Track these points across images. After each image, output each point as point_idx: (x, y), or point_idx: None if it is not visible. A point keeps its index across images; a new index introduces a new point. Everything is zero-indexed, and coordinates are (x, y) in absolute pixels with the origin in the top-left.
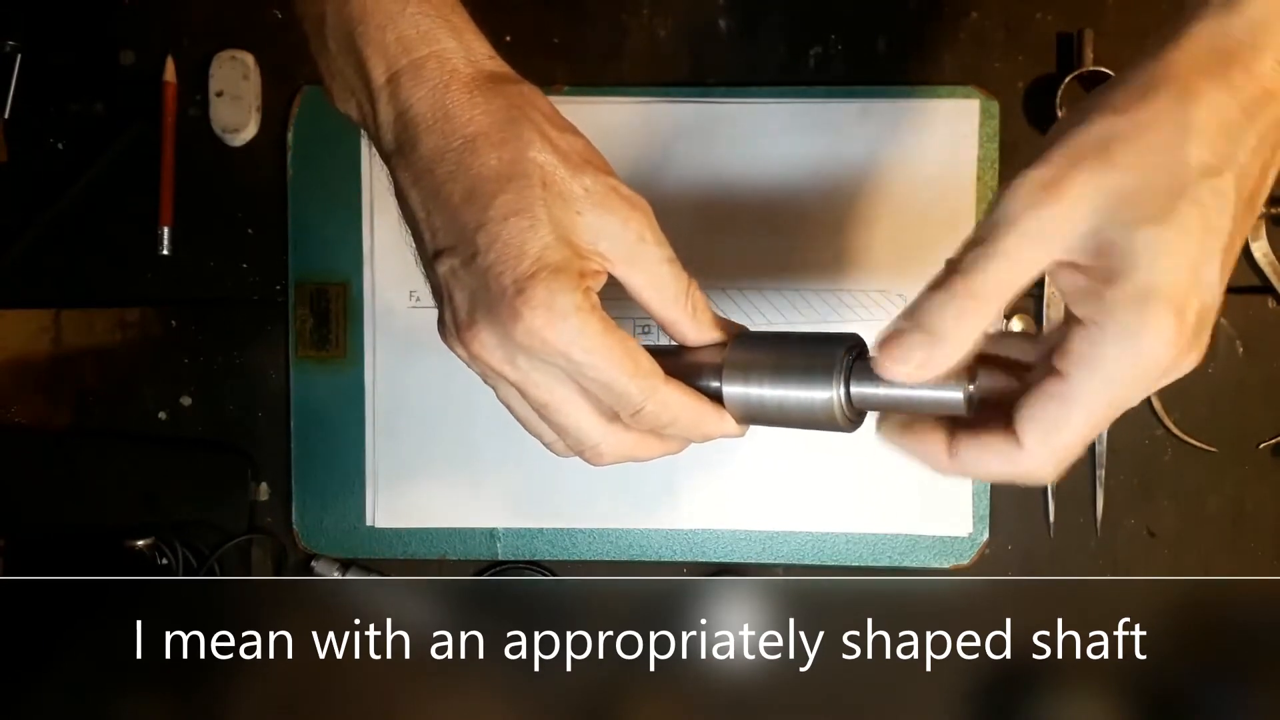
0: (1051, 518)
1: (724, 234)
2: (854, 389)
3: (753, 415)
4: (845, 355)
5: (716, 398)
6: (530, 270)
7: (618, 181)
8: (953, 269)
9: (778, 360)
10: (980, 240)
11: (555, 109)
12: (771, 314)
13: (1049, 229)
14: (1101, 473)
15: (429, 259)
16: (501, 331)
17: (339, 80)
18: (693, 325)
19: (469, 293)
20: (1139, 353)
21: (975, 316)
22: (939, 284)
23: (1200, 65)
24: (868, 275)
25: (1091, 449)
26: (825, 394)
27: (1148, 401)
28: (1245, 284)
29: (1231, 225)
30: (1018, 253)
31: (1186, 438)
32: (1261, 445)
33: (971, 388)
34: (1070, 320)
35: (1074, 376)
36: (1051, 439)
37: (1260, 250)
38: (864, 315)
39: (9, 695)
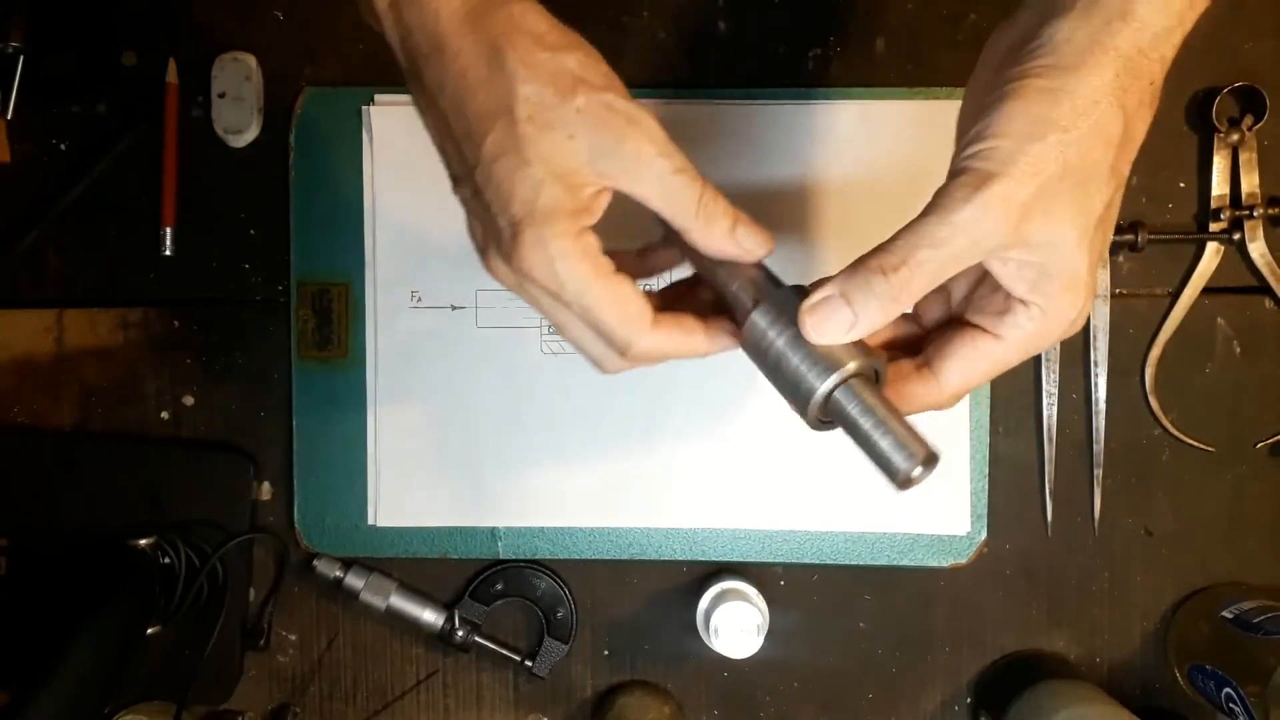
0: (1049, 517)
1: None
2: (836, 399)
3: (751, 352)
4: (852, 374)
5: (732, 306)
6: (520, 214)
7: (614, 96)
8: (890, 263)
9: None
10: (927, 243)
11: (550, 23)
12: None
13: (990, 243)
14: (1099, 472)
15: (451, 181)
16: (506, 263)
17: (361, 2)
18: (705, 235)
19: (480, 222)
20: (1068, 327)
21: (895, 310)
22: (875, 268)
23: (1123, 86)
24: None
25: (1089, 448)
26: (815, 385)
27: (1145, 401)
28: (1243, 284)
29: (1116, 214)
30: (950, 264)
31: (1184, 437)
32: (1259, 445)
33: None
34: (987, 286)
35: (1010, 339)
36: (970, 381)
37: (1258, 251)
38: None
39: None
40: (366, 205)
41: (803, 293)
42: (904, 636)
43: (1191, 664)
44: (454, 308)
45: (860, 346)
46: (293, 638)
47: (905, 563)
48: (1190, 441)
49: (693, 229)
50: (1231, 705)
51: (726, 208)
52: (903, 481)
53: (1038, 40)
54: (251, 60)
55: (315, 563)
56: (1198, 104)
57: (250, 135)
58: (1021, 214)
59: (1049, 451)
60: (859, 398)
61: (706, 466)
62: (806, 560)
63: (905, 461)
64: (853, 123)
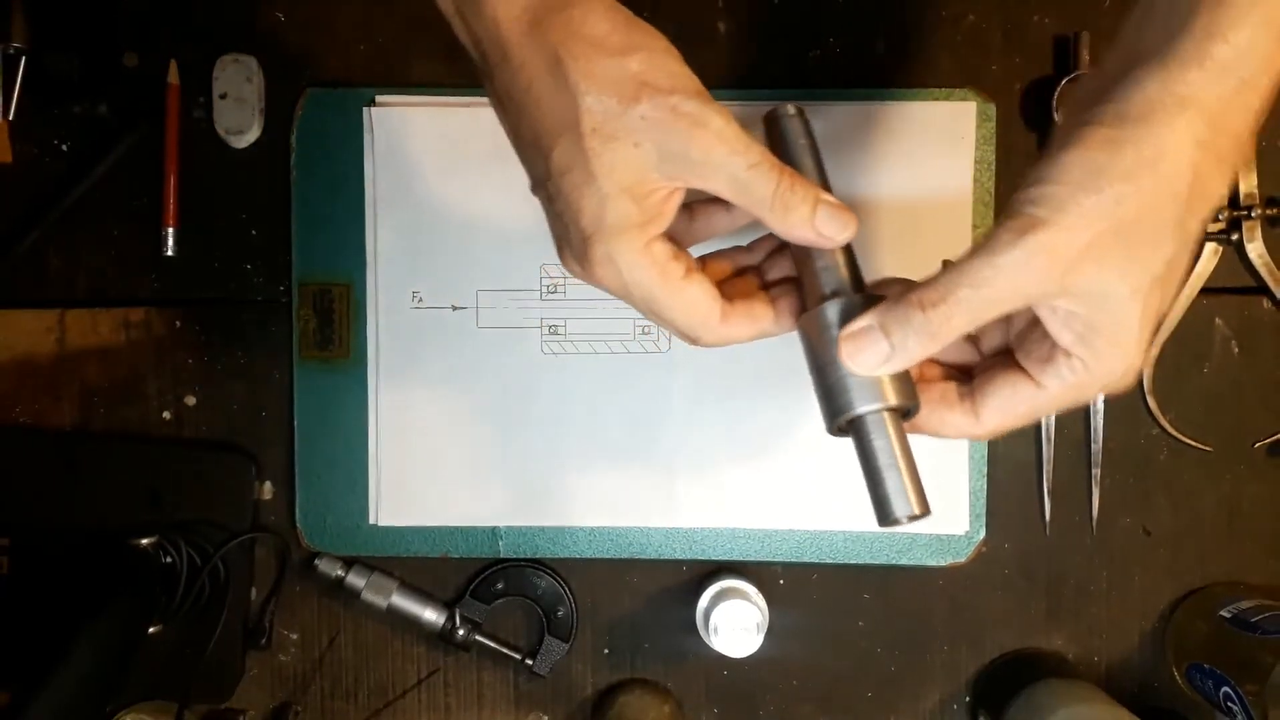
0: (1048, 516)
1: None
2: (863, 424)
3: (806, 340)
4: (887, 409)
5: (804, 282)
6: (589, 230)
7: (680, 97)
8: (930, 299)
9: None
10: (968, 282)
11: (612, 23)
12: None
13: (1034, 290)
14: (1097, 472)
15: (530, 181)
16: (580, 267)
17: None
18: (783, 225)
19: (554, 228)
20: (1112, 383)
21: (932, 346)
22: (915, 302)
23: (1196, 138)
24: (867, 275)
25: (1088, 448)
26: (851, 405)
27: (1143, 401)
28: (1241, 285)
29: (1184, 273)
30: (991, 308)
31: (1182, 437)
32: (1257, 445)
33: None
34: (1038, 329)
35: (1050, 390)
36: (1006, 423)
37: (1255, 251)
38: None
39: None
40: (368, 206)
41: (877, 301)
42: (903, 635)
43: (1190, 663)
44: (454, 308)
45: (904, 380)
46: (294, 637)
47: (904, 562)
48: (1188, 441)
49: (770, 220)
50: (1230, 704)
51: (805, 194)
52: (890, 522)
53: (1115, 87)
54: (253, 61)
55: (317, 562)
56: None
57: (251, 136)
58: (1069, 264)
59: (1047, 451)
60: (885, 432)
61: (706, 466)
62: (806, 560)
63: (901, 508)
64: (853, 123)
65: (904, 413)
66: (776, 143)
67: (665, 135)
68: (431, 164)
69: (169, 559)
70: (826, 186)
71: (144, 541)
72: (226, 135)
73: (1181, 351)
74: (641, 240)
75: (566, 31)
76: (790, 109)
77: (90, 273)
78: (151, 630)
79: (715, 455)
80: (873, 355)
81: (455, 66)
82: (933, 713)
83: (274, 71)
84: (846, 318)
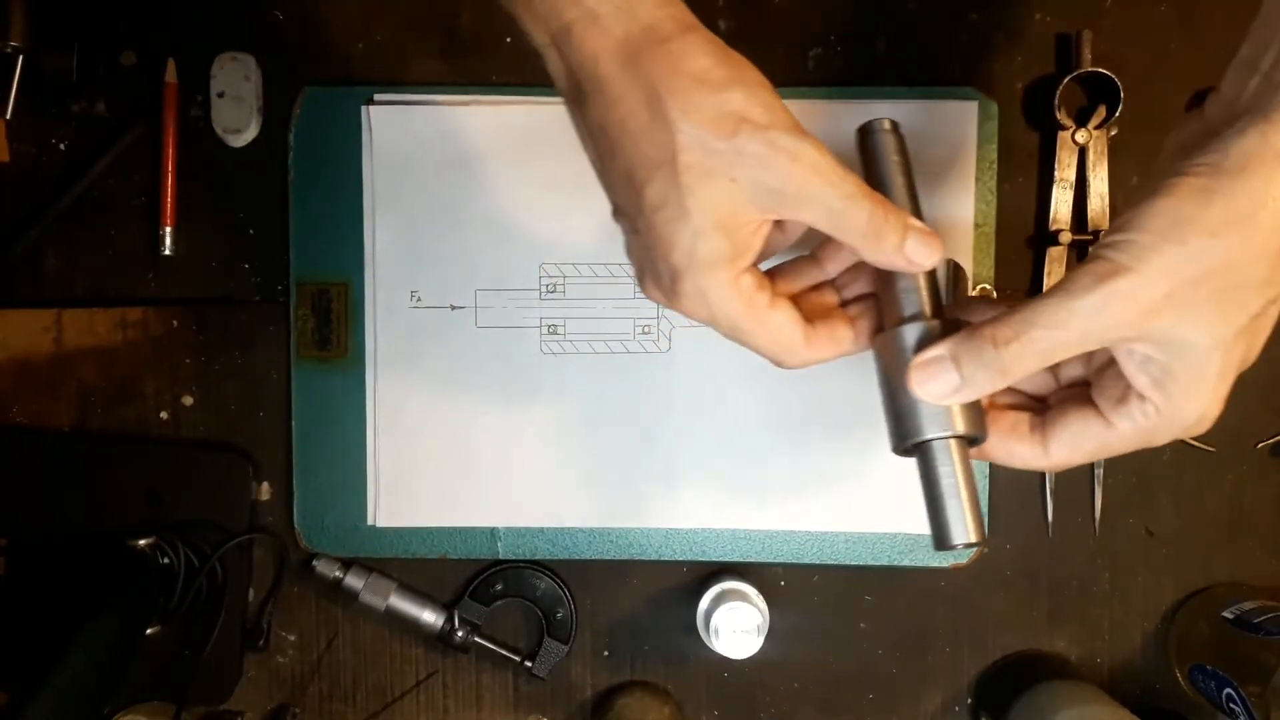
0: (1050, 517)
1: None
2: (930, 449)
3: (881, 360)
4: (955, 436)
5: (885, 300)
6: (681, 264)
7: (778, 132)
8: (1003, 336)
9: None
10: (1043, 322)
11: (713, 57)
12: None
13: (1110, 334)
14: (1100, 472)
15: (611, 208)
16: (665, 297)
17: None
18: (874, 253)
19: (636, 257)
20: (1184, 432)
21: (1002, 381)
22: (988, 337)
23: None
24: None
25: None
26: (921, 430)
27: None
28: None
29: (1270, 325)
30: (1062, 350)
31: (1185, 438)
32: (1260, 445)
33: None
34: (1115, 368)
35: (1121, 430)
36: (1074, 458)
37: None
38: None
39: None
40: (366, 205)
41: (955, 326)
42: (904, 637)
43: (1192, 664)
44: (454, 308)
45: (974, 409)
46: (292, 638)
47: (905, 563)
48: (1191, 442)
49: (862, 249)
50: (1232, 705)
51: (896, 222)
52: (946, 547)
53: (1213, 139)
54: (251, 60)
55: (315, 563)
56: (1198, 104)
57: (250, 135)
58: (1148, 311)
59: None
60: (950, 459)
61: (706, 466)
62: (806, 560)
63: (960, 535)
64: (853, 123)
65: (970, 440)
66: (868, 156)
67: (761, 170)
68: (430, 163)
69: (166, 560)
70: (916, 201)
71: (141, 542)
72: (224, 134)
73: None
74: (732, 274)
75: (668, 66)
76: (886, 124)
77: (88, 272)
78: (149, 631)
79: (715, 455)
80: (942, 385)
81: (454, 65)
82: (934, 715)
83: (272, 70)
84: (922, 344)
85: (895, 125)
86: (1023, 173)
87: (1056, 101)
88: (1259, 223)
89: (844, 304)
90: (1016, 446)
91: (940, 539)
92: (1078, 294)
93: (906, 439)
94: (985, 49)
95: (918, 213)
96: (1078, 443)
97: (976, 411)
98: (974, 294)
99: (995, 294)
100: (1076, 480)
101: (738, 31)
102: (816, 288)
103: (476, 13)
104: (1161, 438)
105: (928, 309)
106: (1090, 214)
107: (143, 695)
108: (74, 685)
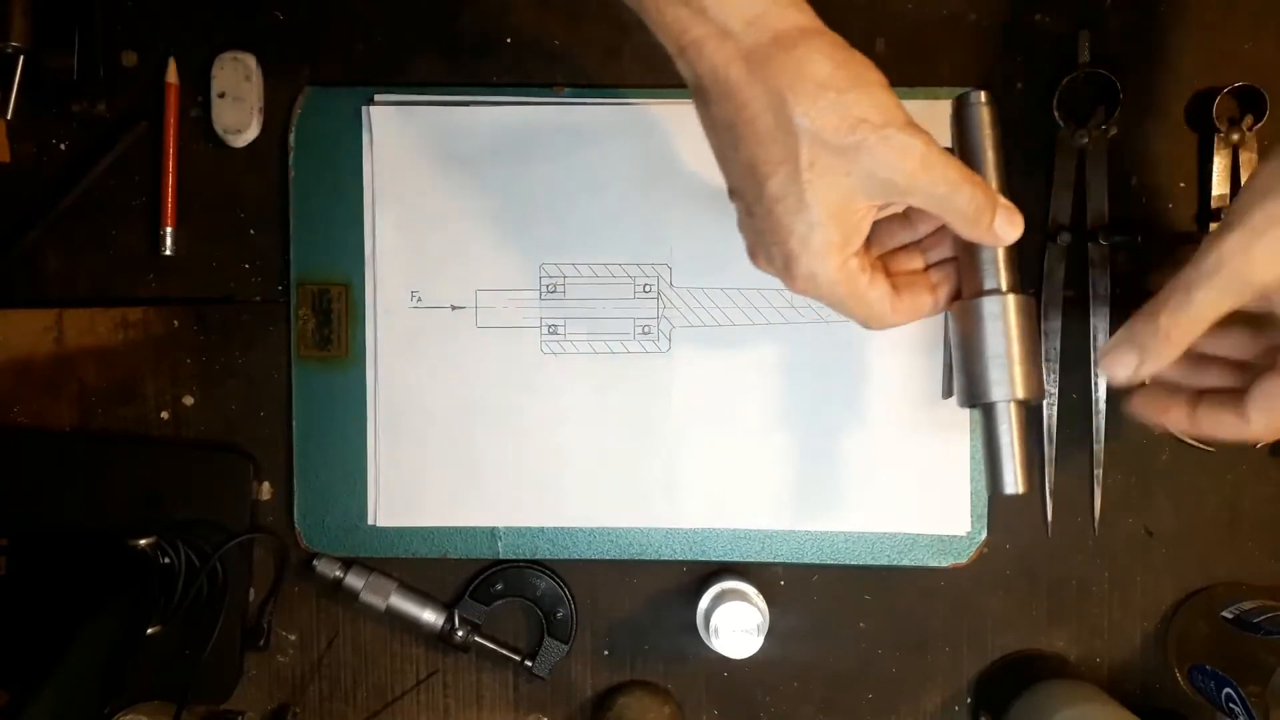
0: (1049, 517)
1: (725, 234)
2: (995, 410)
3: (958, 323)
4: (1018, 400)
5: (965, 267)
6: (796, 250)
7: (893, 129)
8: (1159, 307)
9: (996, 345)
10: (1185, 286)
11: (835, 64)
12: (770, 314)
13: (1236, 285)
14: (1099, 472)
15: (728, 189)
16: (778, 275)
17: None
18: (969, 231)
19: (750, 235)
20: None
21: (1170, 349)
22: (1150, 313)
23: None
24: None
25: (1089, 449)
26: (989, 391)
27: None
28: None
29: None
30: (1206, 307)
31: (1185, 437)
32: (1259, 445)
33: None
34: None
35: None
36: (1273, 420)
37: None
38: None
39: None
40: (366, 205)
41: (1030, 305)
42: (904, 636)
43: (1192, 664)
44: (454, 308)
45: (1036, 377)
46: (292, 638)
47: (905, 563)
48: (1191, 442)
49: (960, 228)
50: (1232, 705)
51: (986, 201)
52: (1000, 493)
53: None
54: (251, 60)
55: (315, 563)
56: (1198, 104)
57: (250, 135)
58: None
59: (1049, 451)
60: (1010, 419)
61: (706, 466)
62: (806, 560)
63: (1010, 485)
64: None
65: (1026, 404)
66: (962, 129)
67: (875, 164)
68: (430, 163)
69: (167, 559)
70: (1003, 174)
71: (142, 542)
72: (225, 134)
73: None
74: (840, 259)
75: (795, 74)
76: (981, 97)
77: (88, 272)
78: (150, 631)
79: (715, 455)
80: (1126, 368)
81: (454, 65)
82: (934, 714)
83: (272, 70)
84: (1005, 312)
85: (990, 98)
86: (1023, 173)
87: (1056, 101)
88: None
89: (927, 268)
90: (1223, 417)
91: (995, 486)
92: (1219, 236)
93: (976, 399)
94: (985, 49)
95: (1004, 186)
96: (1275, 406)
97: (1036, 378)
98: None
99: None
100: (1076, 480)
101: None
102: (905, 248)
103: (476, 13)
104: None
105: (1004, 281)
106: (1090, 214)
107: (143, 695)
108: (75, 685)
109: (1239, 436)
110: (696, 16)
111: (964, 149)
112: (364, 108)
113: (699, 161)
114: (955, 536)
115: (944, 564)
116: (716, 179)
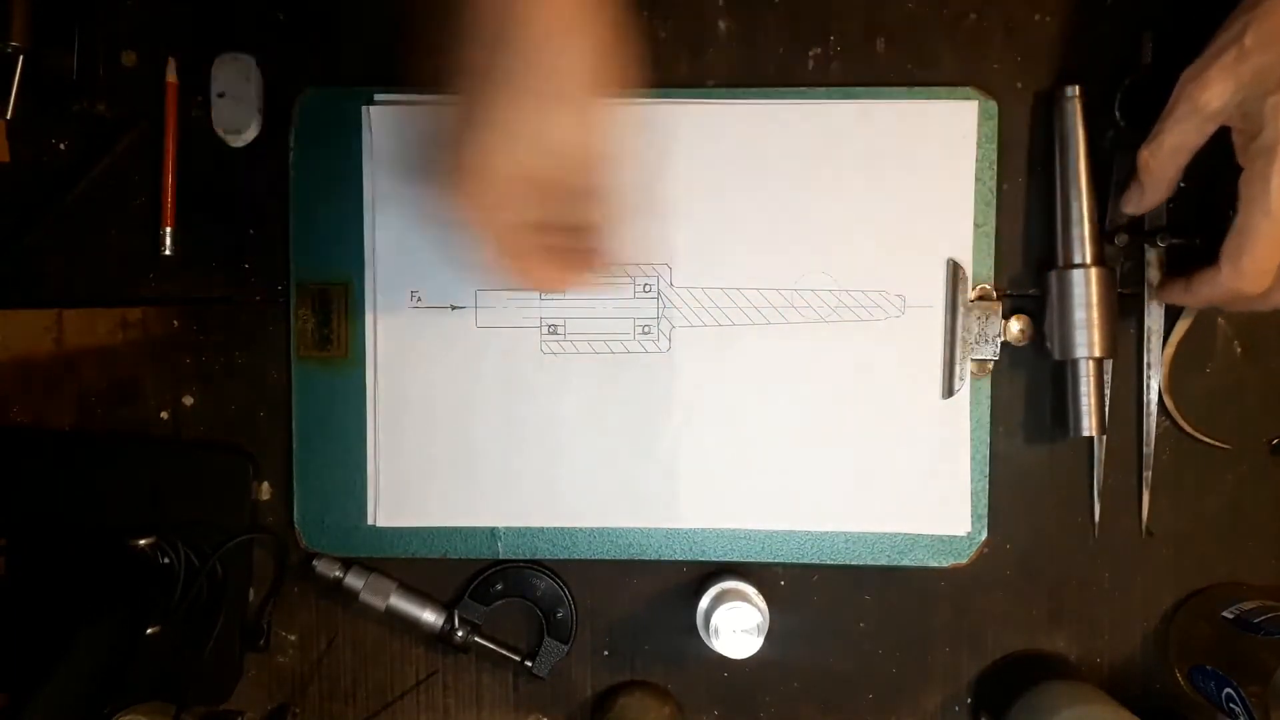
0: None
1: (724, 234)
2: (1077, 363)
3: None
4: (1094, 359)
5: None
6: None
7: None
8: (1142, 146)
9: None
10: (1158, 123)
11: None
12: (771, 314)
13: (1194, 114)
14: (1100, 472)
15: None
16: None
17: None
18: None
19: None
20: (1270, 189)
21: (1153, 179)
22: (1138, 152)
23: None
24: (867, 275)
25: (1090, 449)
26: (1072, 348)
27: (1160, 401)
28: None
29: None
30: (1177, 134)
31: (1201, 436)
32: (1264, 441)
33: None
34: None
35: (1241, 211)
36: (1237, 263)
37: None
38: (864, 315)
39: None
40: (366, 205)
41: (1111, 276)
42: (904, 636)
43: (1192, 664)
44: (454, 308)
45: (1110, 339)
46: (292, 638)
47: (905, 563)
48: (1208, 440)
49: None
50: (1232, 705)
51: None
52: (1076, 434)
53: None
54: (251, 60)
55: (315, 563)
56: None
57: (250, 135)
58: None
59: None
60: (1088, 375)
61: (706, 466)
62: (806, 560)
63: (1086, 429)
64: (853, 123)
65: (1100, 361)
66: (1057, 120)
67: None
68: (430, 163)
69: (167, 559)
70: (1091, 163)
71: (142, 542)
72: (225, 134)
73: (1186, 352)
74: None
75: None
76: (1076, 91)
77: (88, 272)
78: (149, 631)
79: (715, 455)
80: (1131, 202)
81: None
82: (934, 714)
83: (273, 70)
84: (1087, 281)
85: (1084, 92)
86: (1023, 173)
87: (1119, 102)
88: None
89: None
90: (1204, 276)
91: (1073, 430)
92: (1180, 78)
93: (1065, 355)
94: (985, 49)
95: (1091, 175)
96: (1237, 255)
97: (1111, 340)
98: (973, 295)
99: (995, 294)
100: (1076, 480)
101: (738, 31)
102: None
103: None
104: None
105: (1089, 255)
106: (1148, 215)
107: (143, 695)
108: (74, 685)
109: (1218, 291)
110: None
111: (1060, 141)
112: (364, 108)
113: (699, 161)
114: (955, 536)
115: (944, 564)
116: (716, 179)
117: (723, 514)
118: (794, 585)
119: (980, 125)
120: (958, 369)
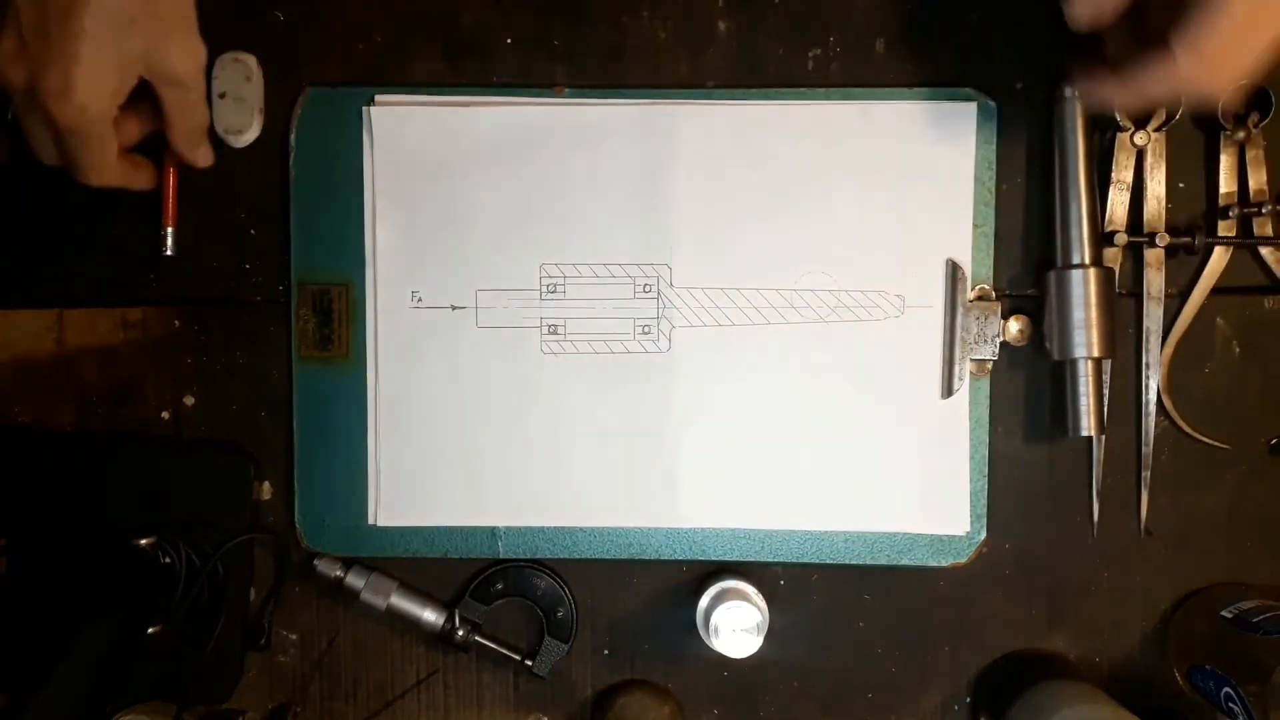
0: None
1: (724, 234)
2: (1075, 363)
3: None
4: (1093, 359)
5: None
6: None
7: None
8: None
9: None
10: None
11: None
12: (770, 314)
13: None
14: (1099, 471)
15: None
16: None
17: None
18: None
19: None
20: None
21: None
22: None
23: None
24: (867, 275)
25: (1089, 449)
26: (1071, 348)
27: (1159, 401)
28: (1244, 284)
29: None
30: None
31: (1201, 436)
32: (1265, 441)
33: None
34: None
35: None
36: (1199, 48)
37: (1268, 248)
38: (864, 315)
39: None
40: (367, 205)
41: (1110, 275)
42: (904, 636)
43: (1191, 664)
44: (454, 308)
45: (1109, 339)
46: (293, 637)
47: (905, 562)
48: (1207, 440)
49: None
50: (1231, 705)
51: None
52: (1074, 435)
53: None
54: (252, 60)
55: (316, 562)
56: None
57: (251, 135)
58: None
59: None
60: (1087, 374)
61: (706, 466)
62: (806, 560)
63: (1085, 429)
64: (853, 123)
65: (1099, 361)
66: (1056, 121)
67: None
68: (430, 163)
69: (168, 559)
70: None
71: (143, 542)
72: (225, 134)
73: (1185, 352)
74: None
75: None
76: (1076, 91)
77: (88, 272)
78: (150, 631)
79: (715, 455)
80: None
81: (454, 65)
82: (934, 714)
83: (273, 70)
84: (1085, 281)
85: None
86: (1022, 173)
87: (1054, 100)
88: None
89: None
90: (1152, 70)
91: (1073, 429)
92: None
93: (1064, 355)
94: (984, 49)
95: (1091, 173)
96: (1196, 35)
97: (1109, 340)
98: (972, 295)
99: (994, 294)
100: (1075, 480)
101: (737, 32)
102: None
103: (476, 13)
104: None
105: (1088, 256)
106: (1146, 216)
107: (143, 695)
108: (75, 685)
109: (1167, 88)
110: None
111: (1060, 142)
112: (365, 108)
113: (699, 161)
114: (955, 536)
115: (944, 564)
116: (716, 179)
117: (722, 514)
118: (793, 585)
119: (979, 125)
120: (957, 369)
